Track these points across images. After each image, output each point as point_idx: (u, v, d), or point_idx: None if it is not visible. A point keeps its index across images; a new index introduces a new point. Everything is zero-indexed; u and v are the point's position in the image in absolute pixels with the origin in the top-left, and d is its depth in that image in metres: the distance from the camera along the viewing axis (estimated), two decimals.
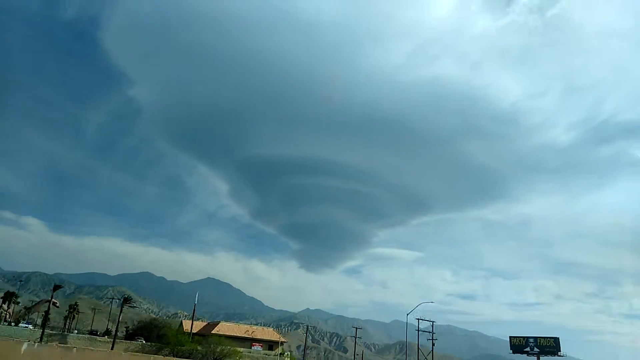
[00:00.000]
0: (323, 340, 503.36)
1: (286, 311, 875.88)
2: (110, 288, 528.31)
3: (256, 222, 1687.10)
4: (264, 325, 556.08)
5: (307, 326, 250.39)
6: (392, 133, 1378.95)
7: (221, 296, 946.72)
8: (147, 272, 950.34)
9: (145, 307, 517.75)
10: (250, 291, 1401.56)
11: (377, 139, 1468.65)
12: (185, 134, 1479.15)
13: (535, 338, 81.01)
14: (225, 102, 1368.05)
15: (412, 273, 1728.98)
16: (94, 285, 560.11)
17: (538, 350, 79.40)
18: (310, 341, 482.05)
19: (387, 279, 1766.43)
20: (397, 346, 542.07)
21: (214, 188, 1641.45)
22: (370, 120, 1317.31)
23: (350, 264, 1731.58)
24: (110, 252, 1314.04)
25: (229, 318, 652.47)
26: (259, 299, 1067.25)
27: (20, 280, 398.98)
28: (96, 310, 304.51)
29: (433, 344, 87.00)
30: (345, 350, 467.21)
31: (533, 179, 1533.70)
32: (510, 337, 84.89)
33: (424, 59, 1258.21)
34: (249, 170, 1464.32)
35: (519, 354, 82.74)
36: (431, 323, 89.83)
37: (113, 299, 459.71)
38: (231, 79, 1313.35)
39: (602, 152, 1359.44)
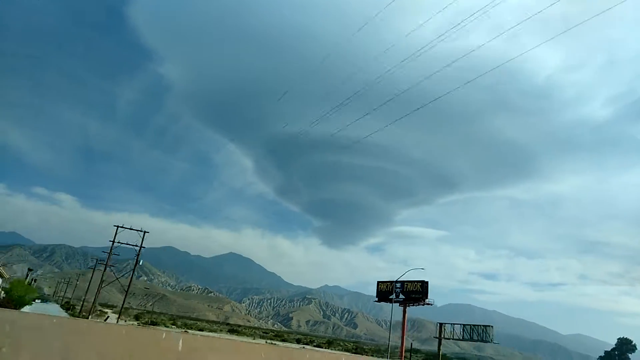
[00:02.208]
0: (334, 315, 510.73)
1: (304, 287, 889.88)
2: (130, 261, 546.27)
3: (281, 200, 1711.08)
4: (278, 300, 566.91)
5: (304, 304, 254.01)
6: (422, 110, 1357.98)
7: (242, 271, 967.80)
8: (171, 247, 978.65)
9: (162, 280, 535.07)
10: (271, 267, 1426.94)
11: (407, 116, 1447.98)
12: (214, 111, 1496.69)
13: (402, 282, 71.14)
14: (253, 79, 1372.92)
15: (436, 251, 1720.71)
16: (116, 258, 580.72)
17: (404, 297, 70.53)
18: (322, 316, 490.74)
19: (410, 257, 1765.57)
20: (409, 323, 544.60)
21: (241, 165, 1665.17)
22: (399, 96, 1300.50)
23: (372, 241, 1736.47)
24: (138, 227, 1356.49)
25: (245, 293, 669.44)
26: (278, 275, 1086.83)
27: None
28: (105, 281, 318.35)
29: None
30: (355, 326, 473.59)
31: (566, 156, 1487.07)
32: (377, 282, 75.75)
33: (456, 31, 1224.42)
34: (274, 148, 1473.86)
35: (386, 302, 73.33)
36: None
37: (129, 272, 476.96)
38: (260, 57, 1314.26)
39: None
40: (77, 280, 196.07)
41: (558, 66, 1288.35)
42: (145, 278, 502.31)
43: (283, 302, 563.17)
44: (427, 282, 68.80)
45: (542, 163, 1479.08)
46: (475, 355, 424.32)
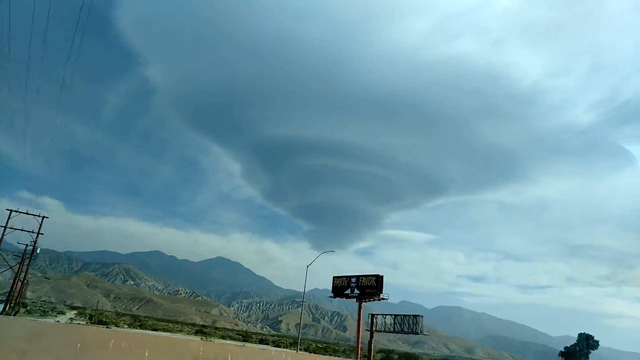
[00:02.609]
0: (324, 319, 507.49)
1: (294, 290, 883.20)
2: (117, 265, 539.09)
3: (268, 204, 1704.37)
4: (267, 303, 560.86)
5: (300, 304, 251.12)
6: (408, 114, 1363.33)
7: (230, 275, 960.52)
8: (158, 251, 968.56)
9: (150, 284, 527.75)
10: (260, 271, 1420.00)
11: (393, 120, 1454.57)
12: (200, 114, 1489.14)
13: (358, 277, 68.73)
14: (239, 83, 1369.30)
15: (424, 255, 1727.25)
16: (101, 262, 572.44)
17: (359, 292, 67.78)
18: (311, 320, 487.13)
19: (399, 260, 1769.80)
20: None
21: (228, 169, 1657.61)
22: (387, 101, 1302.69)
23: (361, 245, 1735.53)
24: (125, 231, 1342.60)
25: (234, 297, 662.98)
26: (268, 279, 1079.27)
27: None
28: (91, 286, 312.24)
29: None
30: (345, 329, 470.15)
31: (551, 160, 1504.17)
32: (333, 277, 72.82)
33: (443, 37, 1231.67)
34: (261, 152, 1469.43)
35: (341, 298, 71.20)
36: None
37: (115, 276, 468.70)
38: (245, 60, 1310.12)
39: (625, 133, 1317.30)
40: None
41: (543, 72, 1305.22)
42: (132, 282, 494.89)
43: (272, 306, 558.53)
44: (381, 277, 66.53)
45: (529, 167, 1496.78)
46: (466, 357, 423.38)
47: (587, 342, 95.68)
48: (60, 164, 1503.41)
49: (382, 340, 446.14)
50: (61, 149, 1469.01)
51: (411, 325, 66.87)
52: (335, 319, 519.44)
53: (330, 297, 74.56)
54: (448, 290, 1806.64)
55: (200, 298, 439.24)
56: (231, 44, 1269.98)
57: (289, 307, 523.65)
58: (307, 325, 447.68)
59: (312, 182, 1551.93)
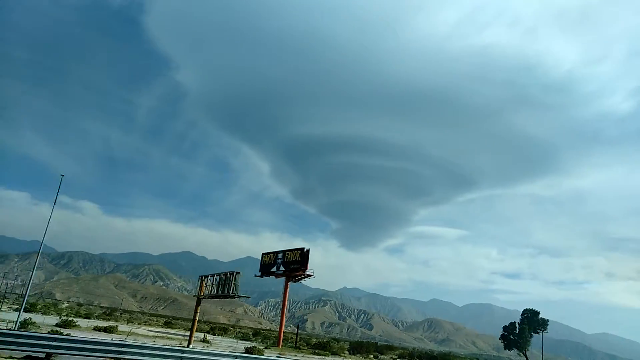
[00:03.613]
0: (350, 317, 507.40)
1: (322, 289, 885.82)
2: (147, 266, 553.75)
3: (298, 202, 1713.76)
4: (294, 302, 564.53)
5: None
6: (438, 107, 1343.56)
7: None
8: (188, 252, 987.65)
9: (179, 284, 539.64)
10: None
11: (423, 114, 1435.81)
12: (229, 115, 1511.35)
13: (284, 252, 63.97)
14: (267, 82, 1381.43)
15: (457, 251, 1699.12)
16: (133, 264, 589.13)
17: (284, 268, 63.52)
18: (337, 318, 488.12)
19: (430, 257, 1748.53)
20: (426, 324, 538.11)
21: (258, 169, 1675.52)
22: (414, 95, 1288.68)
23: (391, 242, 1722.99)
24: (158, 233, 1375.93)
25: (262, 297, 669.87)
26: None
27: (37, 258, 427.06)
28: (119, 287, 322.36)
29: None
30: (371, 328, 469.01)
31: (588, 151, 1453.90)
32: (262, 254, 68.58)
33: (472, 28, 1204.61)
34: (289, 151, 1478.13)
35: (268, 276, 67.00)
36: None
37: (145, 277, 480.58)
38: (273, 60, 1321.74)
39: None
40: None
41: (578, 59, 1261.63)
42: (162, 283, 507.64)
43: (299, 305, 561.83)
44: (307, 250, 62.49)
45: (564, 158, 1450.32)
46: (494, 356, 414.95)
47: (529, 319, 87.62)
48: (97, 168, 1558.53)
49: (408, 339, 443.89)
50: (98, 154, 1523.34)
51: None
52: (361, 317, 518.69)
53: (257, 276, 69.69)
54: (481, 287, 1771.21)
55: (227, 298, 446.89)
56: (259, 45, 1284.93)
57: (315, 306, 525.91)
58: (332, 323, 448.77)
59: (340, 180, 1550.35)
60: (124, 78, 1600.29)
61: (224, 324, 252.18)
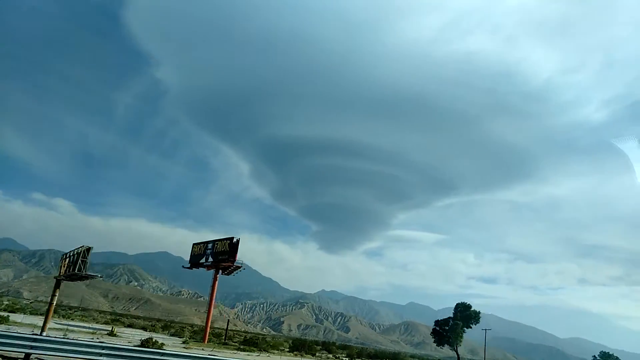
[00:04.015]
0: (327, 319, 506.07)
1: (300, 292, 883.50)
2: (121, 266, 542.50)
3: (277, 204, 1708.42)
4: (271, 304, 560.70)
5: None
6: (419, 112, 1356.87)
7: (237, 277, 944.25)
8: (165, 252, 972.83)
9: (154, 285, 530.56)
10: (268, 272, 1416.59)
11: (404, 118, 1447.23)
12: (209, 114, 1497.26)
13: (214, 242, 61.54)
14: (248, 83, 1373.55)
15: (435, 256, 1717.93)
16: (107, 263, 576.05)
17: (213, 259, 60.84)
18: (314, 320, 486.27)
19: (409, 261, 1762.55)
20: (402, 327, 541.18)
21: (238, 169, 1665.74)
22: (397, 99, 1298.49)
23: (370, 245, 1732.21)
24: (135, 233, 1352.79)
25: (239, 298, 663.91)
26: (275, 280, 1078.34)
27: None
28: (90, 286, 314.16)
29: None
30: (348, 330, 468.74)
31: (564, 159, 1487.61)
32: (192, 244, 65.81)
33: (455, 34, 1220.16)
34: (268, 152, 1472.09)
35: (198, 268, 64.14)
36: None
37: (119, 276, 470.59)
38: (254, 60, 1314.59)
39: (638, 130, 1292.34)
40: None
41: (556, 68, 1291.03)
42: (136, 283, 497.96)
43: (276, 307, 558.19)
44: (237, 240, 59.73)
45: (540, 165, 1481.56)
46: (468, 358, 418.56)
47: (462, 313, 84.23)
48: (73, 165, 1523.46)
49: (385, 342, 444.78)
50: (75, 151, 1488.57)
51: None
52: (339, 319, 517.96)
53: (187, 267, 67.15)
54: (459, 292, 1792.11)
55: (202, 299, 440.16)
56: (241, 44, 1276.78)
57: (292, 309, 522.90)
58: (309, 326, 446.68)
59: (321, 182, 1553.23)
60: (104, 73, 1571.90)
61: (196, 325, 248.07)
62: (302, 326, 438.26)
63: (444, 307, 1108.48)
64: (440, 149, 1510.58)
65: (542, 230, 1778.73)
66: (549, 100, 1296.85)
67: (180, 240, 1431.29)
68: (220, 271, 63.96)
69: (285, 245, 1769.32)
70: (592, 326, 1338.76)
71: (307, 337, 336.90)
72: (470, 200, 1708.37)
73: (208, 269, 63.31)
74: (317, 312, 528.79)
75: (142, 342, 34.98)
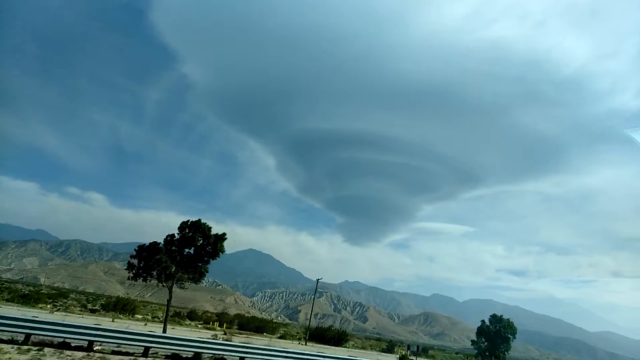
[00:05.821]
0: (345, 309, 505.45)
1: (322, 282, 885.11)
2: None
3: (303, 197, 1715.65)
4: (291, 294, 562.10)
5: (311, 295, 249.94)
6: (445, 103, 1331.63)
7: (260, 266, 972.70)
8: None
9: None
10: (292, 263, 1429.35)
11: (430, 110, 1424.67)
12: (236, 109, 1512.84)
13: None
14: (274, 78, 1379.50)
15: (462, 248, 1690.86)
16: (126, 251, 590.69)
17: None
18: (332, 310, 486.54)
19: (436, 253, 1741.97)
20: (422, 317, 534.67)
21: (264, 163, 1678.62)
22: (422, 91, 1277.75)
23: (395, 237, 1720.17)
24: (164, 225, 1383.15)
25: (261, 288, 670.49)
26: (298, 270, 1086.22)
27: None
28: (108, 273, 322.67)
29: None
30: (365, 320, 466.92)
31: (598, 149, 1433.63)
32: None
33: (480, 22, 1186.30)
34: (294, 145, 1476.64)
35: None
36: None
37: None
38: (281, 55, 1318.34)
39: None
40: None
41: (589, 55, 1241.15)
42: None
43: (295, 296, 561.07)
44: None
45: (574, 156, 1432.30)
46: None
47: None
48: (106, 160, 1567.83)
49: (403, 332, 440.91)
50: (107, 146, 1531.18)
51: None
52: (357, 309, 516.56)
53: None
54: (487, 284, 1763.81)
55: (220, 287, 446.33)
56: (265, 40, 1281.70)
57: (310, 298, 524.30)
58: (327, 315, 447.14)
59: (346, 175, 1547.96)
60: (132, 70, 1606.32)
61: (210, 312, 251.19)
62: (318, 315, 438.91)
63: (469, 298, 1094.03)
64: (466, 140, 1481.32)
65: (575, 222, 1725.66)
66: (582, 88, 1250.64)
67: None
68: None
69: (310, 237, 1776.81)
70: (624, 320, 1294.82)
71: (324, 326, 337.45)
72: (499, 191, 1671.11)
73: None
74: (335, 301, 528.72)
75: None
